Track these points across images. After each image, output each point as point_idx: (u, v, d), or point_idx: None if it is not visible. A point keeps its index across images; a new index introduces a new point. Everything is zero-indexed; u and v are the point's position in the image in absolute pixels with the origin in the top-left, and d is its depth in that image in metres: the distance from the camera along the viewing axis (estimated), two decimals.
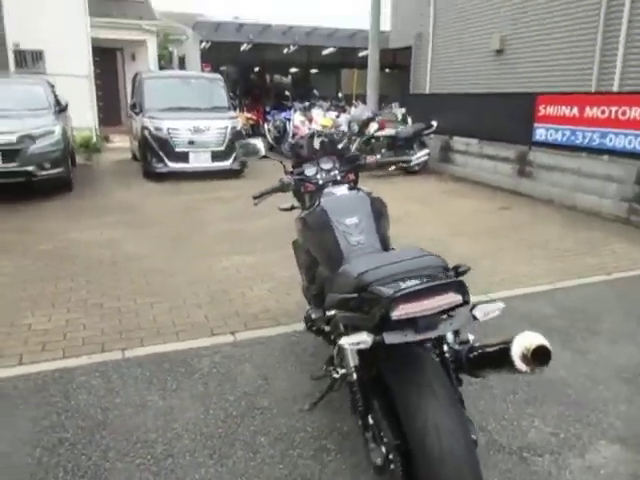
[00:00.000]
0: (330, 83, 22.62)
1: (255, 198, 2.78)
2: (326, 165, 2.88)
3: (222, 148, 9.07)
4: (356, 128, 9.30)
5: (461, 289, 1.52)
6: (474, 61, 11.73)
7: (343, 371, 2.18)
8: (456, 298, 1.51)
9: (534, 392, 2.73)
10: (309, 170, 2.84)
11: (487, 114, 8.68)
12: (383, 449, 1.79)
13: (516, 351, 1.53)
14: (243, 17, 17.79)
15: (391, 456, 1.76)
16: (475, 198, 7.72)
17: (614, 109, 6.50)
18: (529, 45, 10.17)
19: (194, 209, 6.88)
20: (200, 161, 9.00)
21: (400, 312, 1.45)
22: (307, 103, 13.03)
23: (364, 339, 1.52)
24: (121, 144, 13.35)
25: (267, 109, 17.15)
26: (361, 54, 19.99)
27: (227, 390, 2.74)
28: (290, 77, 25.85)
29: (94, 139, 12.26)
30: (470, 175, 9.21)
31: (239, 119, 9.66)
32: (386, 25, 14.53)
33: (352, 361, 1.91)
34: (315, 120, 10.93)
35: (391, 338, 1.54)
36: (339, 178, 2.80)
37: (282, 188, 2.71)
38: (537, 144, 7.82)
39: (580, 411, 2.58)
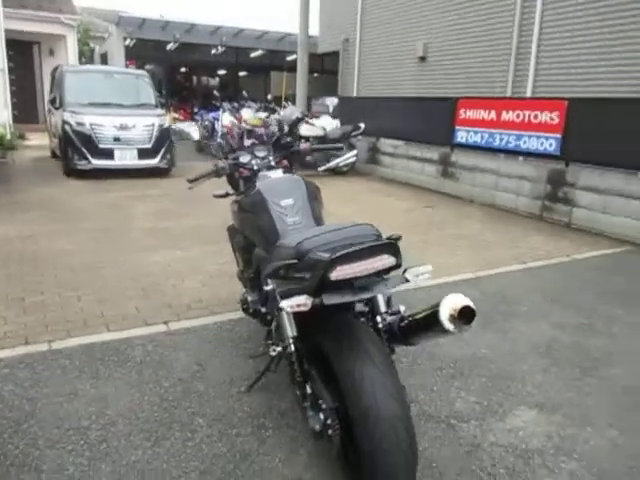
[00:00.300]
0: (259, 85, 22.59)
1: (190, 182, 2.77)
2: (260, 153, 2.93)
3: (149, 146, 8.86)
4: (286, 128, 9.37)
5: (394, 252, 1.61)
6: (400, 66, 12.16)
7: (279, 349, 2.23)
8: (390, 260, 1.61)
9: (460, 368, 2.90)
10: (243, 157, 2.88)
11: (413, 117, 9.05)
12: (321, 415, 1.86)
13: (444, 313, 1.64)
14: (170, 16, 17.40)
15: (329, 421, 1.83)
16: (401, 197, 8.01)
17: (527, 113, 6.99)
18: (450, 52, 10.69)
19: (120, 206, 6.67)
20: (126, 159, 8.73)
21: (338, 273, 1.52)
22: (236, 104, 12.97)
23: (303, 301, 1.58)
24: (39, 142, 12.67)
25: (195, 110, 16.92)
26: (289, 58, 20.17)
27: (162, 377, 2.70)
28: (218, 79, 25.57)
29: (8, 136, 11.55)
30: (398, 176, 9.54)
31: (167, 117, 9.46)
32: (315, 30, 14.76)
33: (290, 331, 1.96)
34: (245, 120, 10.90)
35: (330, 299, 1.61)
36: (273, 164, 2.85)
37: (217, 172, 2.72)
38: (458, 146, 8.25)
39: (501, 382, 2.77)
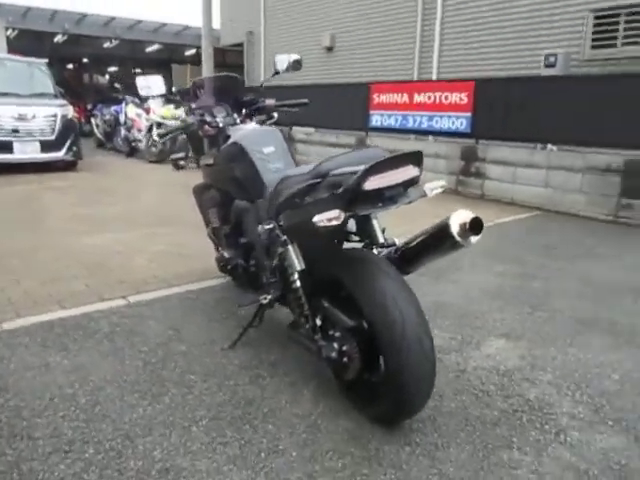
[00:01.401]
0: None
1: (160, 137, 2.66)
2: (220, 113, 2.89)
3: (52, 138, 8.26)
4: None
5: (418, 163, 1.69)
6: (309, 56, 12.32)
7: (270, 296, 2.24)
8: (415, 171, 1.68)
9: (427, 312, 3.05)
10: (208, 115, 2.83)
11: (327, 104, 9.22)
12: (335, 344, 1.90)
13: (455, 227, 1.75)
14: (58, 4, 16.16)
15: (345, 347, 1.88)
16: None
17: (438, 95, 7.43)
18: (357, 40, 11.02)
19: (32, 198, 6.18)
20: (27, 152, 8.07)
21: (372, 183, 1.57)
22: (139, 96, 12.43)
23: (337, 214, 1.61)
24: None
25: (88, 106, 15.99)
26: (188, 52, 19.66)
27: (138, 343, 2.58)
28: (109, 74, 24.29)
29: None
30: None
31: (70, 107, 8.85)
32: (217, 23, 14.52)
33: (298, 265, 1.98)
34: (154, 111, 10.47)
35: (362, 210, 1.65)
36: (239, 121, 2.82)
37: (185, 128, 2.65)
38: (374, 129, 8.56)
39: (467, 320, 2.97)
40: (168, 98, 12.29)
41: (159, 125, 10.06)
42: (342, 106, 8.86)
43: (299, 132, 10.05)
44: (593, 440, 1.93)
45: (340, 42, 11.37)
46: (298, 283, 2.01)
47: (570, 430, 1.99)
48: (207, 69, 12.31)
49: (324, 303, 1.96)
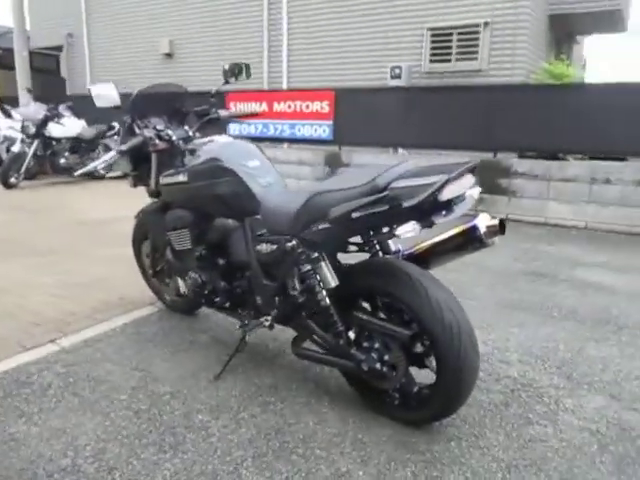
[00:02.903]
0: None
1: (122, 151, 2.34)
2: (160, 125, 2.66)
3: None
4: (33, 129, 8.07)
5: (474, 172, 1.76)
6: (145, 63, 11.62)
7: (270, 318, 2.16)
8: (473, 179, 1.75)
9: None
10: (147, 131, 2.58)
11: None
12: (374, 354, 1.90)
13: (482, 229, 1.88)
14: None
15: (387, 357, 1.90)
16: None
17: (299, 103, 7.64)
18: (203, 46, 10.73)
19: None
20: None
21: (447, 193, 1.60)
22: None
23: (414, 227, 1.61)
24: None
25: None
26: None
27: (110, 391, 2.24)
28: None
29: None
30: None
31: None
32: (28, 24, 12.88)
33: (332, 281, 1.93)
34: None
35: (438, 219, 1.67)
36: (191, 134, 2.63)
37: (145, 141, 2.38)
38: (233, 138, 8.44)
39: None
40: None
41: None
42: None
43: None
44: (584, 403, 2.23)
45: (181, 48, 10.96)
46: (327, 300, 1.95)
47: (563, 398, 2.27)
48: (22, 74, 10.88)
49: (360, 315, 1.94)
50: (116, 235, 4.57)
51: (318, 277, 1.95)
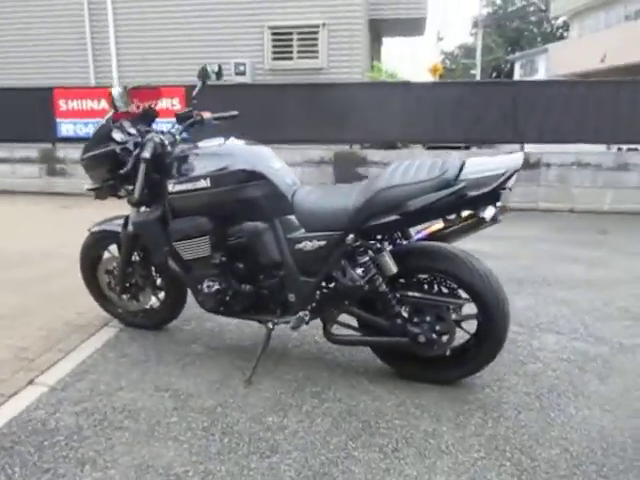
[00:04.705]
0: None
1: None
2: (131, 129, 2.53)
3: None
4: None
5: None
6: None
7: (308, 313, 2.29)
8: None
9: None
10: (117, 135, 2.43)
11: None
12: (425, 326, 2.17)
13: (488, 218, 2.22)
14: None
15: (438, 327, 2.18)
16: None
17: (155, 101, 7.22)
18: (18, 42, 9.32)
19: None
20: None
21: (510, 183, 1.91)
22: None
23: (494, 210, 1.90)
24: None
25: None
26: None
27: (153, 417, 2.09)
28: None
29: None
30: None
31: None
32: None
33: (393, 268, 2.11)
34: None
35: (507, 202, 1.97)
36: (178, 138, 2.52)
37: (161, 143, 2.28)
38: (66, 140, 7.63)
39: None
40: None
41: None
42: (15, 115, 7.50)
43: None
44: (545, 341, 2.81)
45: None
46: (384, 286, 2.14)
47: (530, 340, 2.82)
48: None
49: (413, 294, 2.17)
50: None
51: (376, 266, 2.12)
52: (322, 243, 2.16)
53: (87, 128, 7.46)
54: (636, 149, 7.73)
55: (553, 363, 2.57)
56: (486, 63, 32.79)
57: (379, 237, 2.17)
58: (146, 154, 2.24)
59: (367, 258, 2.12)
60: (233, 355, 2.63)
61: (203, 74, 2.59)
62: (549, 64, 27.61)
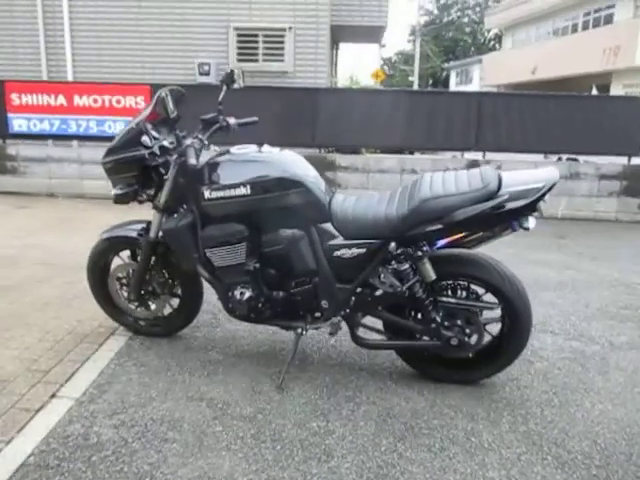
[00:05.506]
0: None
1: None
2: (154, 133, 2.49)
3: None
4: None
5: None
6: None
7: (339, 317, 2.35)
8: None
9: None
10: (146, 139, 2.39)
11: None
12: (456, 329, 2.28)
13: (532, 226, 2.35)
14: None
15: (467, 330, 2.29)
16: None
17: (108, 98, 6.99)
18: None
19: None
20: None
21: (547, 195, 2.04)
22: None
23: (535, 221, 2.02)
24: None
25: None
26: None
27: (198, 427, 2.07)
28: None
29: None
30: None
31: None
32: None
33: (433, 274, 2.20)
34: None
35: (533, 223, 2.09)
36: (206, 143, 2.49)
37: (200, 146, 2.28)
38: (18, 136, 7.23)
39: None
40: None
41: None
42: None
43: None
44: (544, 341, 3.00)
45: None
46: (420, 292, 2.22)
47: (531, 341, 2.99)
48: None
49: (447, 299, 2.27)
50: None
51: (415, 272, 2.21)
52: (362, 250, 2.22)
53: (42, 124, 7.11)
54: (575, 159, 8.31)
55: (557, 362, 2.75)
56: (423, 70, 33.88)
57: (416, 245, 2.25)
58: (193, 161, 2.21)
59: (407, 265, 2.19)
60: (254, 361, 2.63)
61: (228, 79, 2.56)
62: (483, 74, 28.89)
